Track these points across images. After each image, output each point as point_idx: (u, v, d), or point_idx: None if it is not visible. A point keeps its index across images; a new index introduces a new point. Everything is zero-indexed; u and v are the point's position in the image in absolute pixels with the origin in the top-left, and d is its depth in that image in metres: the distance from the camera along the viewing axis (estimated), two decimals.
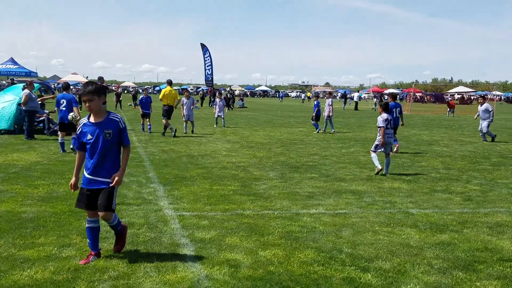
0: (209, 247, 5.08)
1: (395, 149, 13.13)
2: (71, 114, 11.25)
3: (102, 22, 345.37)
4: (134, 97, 37.99)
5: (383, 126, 9.76)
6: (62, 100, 11.43)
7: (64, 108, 11.34)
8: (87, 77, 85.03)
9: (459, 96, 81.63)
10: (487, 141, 16.80)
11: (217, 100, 21.67)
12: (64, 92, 11.79)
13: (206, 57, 57.73)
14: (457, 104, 50.46)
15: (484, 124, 16.84)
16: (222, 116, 21.13)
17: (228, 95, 44.66)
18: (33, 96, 14.39)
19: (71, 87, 15.12)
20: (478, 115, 17.29)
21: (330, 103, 19.82)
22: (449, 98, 58.55)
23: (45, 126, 15.57)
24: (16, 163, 9.84)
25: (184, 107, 17.41)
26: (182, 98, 17.67)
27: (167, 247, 5.06)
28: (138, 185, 8.05)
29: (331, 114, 19.50)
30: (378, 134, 9.94)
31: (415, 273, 4.55)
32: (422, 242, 5.47)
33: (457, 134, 20.17)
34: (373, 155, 9.96)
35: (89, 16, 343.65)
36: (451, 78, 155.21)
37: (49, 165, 9.67)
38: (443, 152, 13.80)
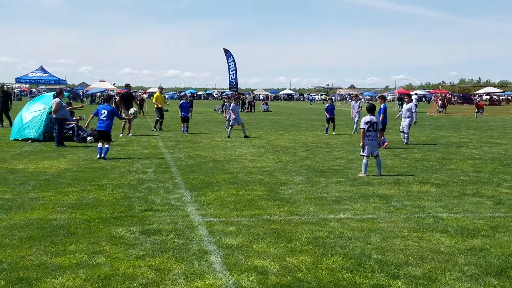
0: (237, 254, 5.10)
1: (383, 146, 14.29)
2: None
3: (130, 29, 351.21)
4: (141, 104, 33.77)
5: (363, 128, 9.76)
6: (103, 111, 11.97)
7: (104, 118, 11.85)
8: (114, 84, 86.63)
9: (488, 96, 79.71)
10: (408, 143, 15.73)
11: (227, 104, 22.71)
12: (105, 104, 12.49)
13: (230, 62, 58.03)
14: (485, 105, 49.33)
15: (405, 123, 15.93)
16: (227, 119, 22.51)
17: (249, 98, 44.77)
18: (63, 104, 14.75)
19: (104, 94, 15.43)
20: (401, 114, 16.51)
21: (361, 106, 20.82)
22: (478, 99, 57.29)
23: (74, 133, 15.91)
24: (47, 170, 10.08)
25: (233, 112, 18.24)
26: (232, 104, 18.81)
27: (195, 253, 5.09)
28: (165, 191, 8.14)
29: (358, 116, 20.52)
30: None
31: (446, 280, 4.46)
32: (453, 248, 5.36)
33: (486, 135, 19.69)
34: (364, 161, 9.85)
35: (117, 23, 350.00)
36: (479, 78, 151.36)
37: (78, 172, 9.88)
38: (472, 154, 13.49)
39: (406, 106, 16.30)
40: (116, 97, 25.92)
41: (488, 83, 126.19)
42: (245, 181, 9.17)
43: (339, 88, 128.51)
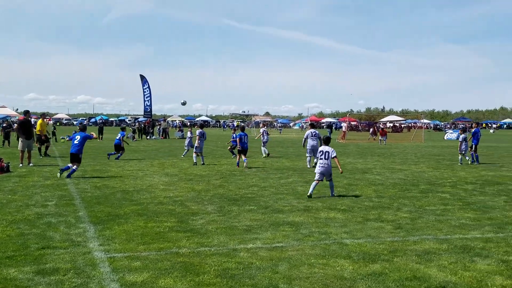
0: None
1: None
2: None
3: (34, 51, 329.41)
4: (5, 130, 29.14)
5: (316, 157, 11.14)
6: (76, 136, 14.06)
7: (77, 142, 13.81)
8: (17, 110, 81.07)
9: (391, 124, 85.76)
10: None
11: (189, 134, 23.52)
12: (80, 131, 14.58)
13: (145, 88, 57.19)
14: (389, 132, 52.90)
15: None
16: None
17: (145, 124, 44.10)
18: None
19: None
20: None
21: (266, 131, 23.64)
22: (382, 127, 61.32)
23: None
24: None
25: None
26: (197, 131, 18.86)
27: None
28: (66, 226, 7.63)
29: (265, 140, 23.27)
30: None
31: None
32: (355, 274, 5.56)
33: (388, 161, 21.05)
34: (314, 183, 10.99)
35: (21, 46, 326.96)
36: (383, 107, 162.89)
37: None
38: (375, 180, 14.31)
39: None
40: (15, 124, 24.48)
41: (391, 112, 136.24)
42: (155, 212, 8.89)
43: (254, 115, 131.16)
